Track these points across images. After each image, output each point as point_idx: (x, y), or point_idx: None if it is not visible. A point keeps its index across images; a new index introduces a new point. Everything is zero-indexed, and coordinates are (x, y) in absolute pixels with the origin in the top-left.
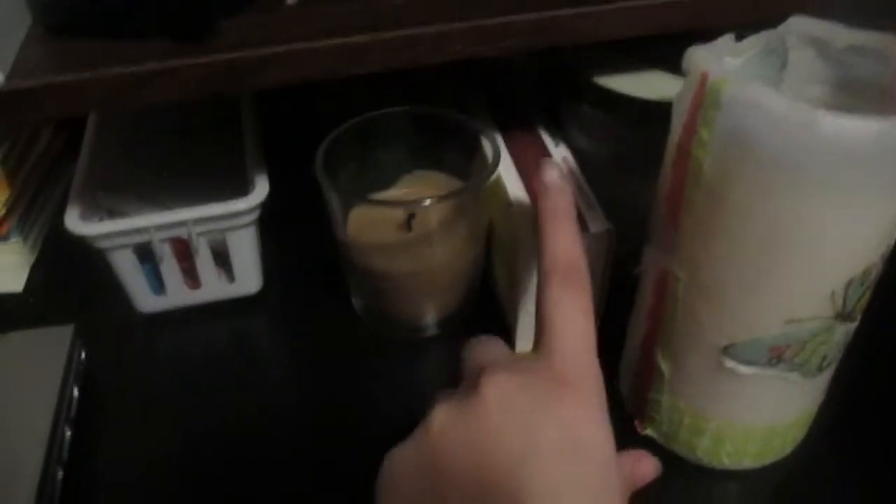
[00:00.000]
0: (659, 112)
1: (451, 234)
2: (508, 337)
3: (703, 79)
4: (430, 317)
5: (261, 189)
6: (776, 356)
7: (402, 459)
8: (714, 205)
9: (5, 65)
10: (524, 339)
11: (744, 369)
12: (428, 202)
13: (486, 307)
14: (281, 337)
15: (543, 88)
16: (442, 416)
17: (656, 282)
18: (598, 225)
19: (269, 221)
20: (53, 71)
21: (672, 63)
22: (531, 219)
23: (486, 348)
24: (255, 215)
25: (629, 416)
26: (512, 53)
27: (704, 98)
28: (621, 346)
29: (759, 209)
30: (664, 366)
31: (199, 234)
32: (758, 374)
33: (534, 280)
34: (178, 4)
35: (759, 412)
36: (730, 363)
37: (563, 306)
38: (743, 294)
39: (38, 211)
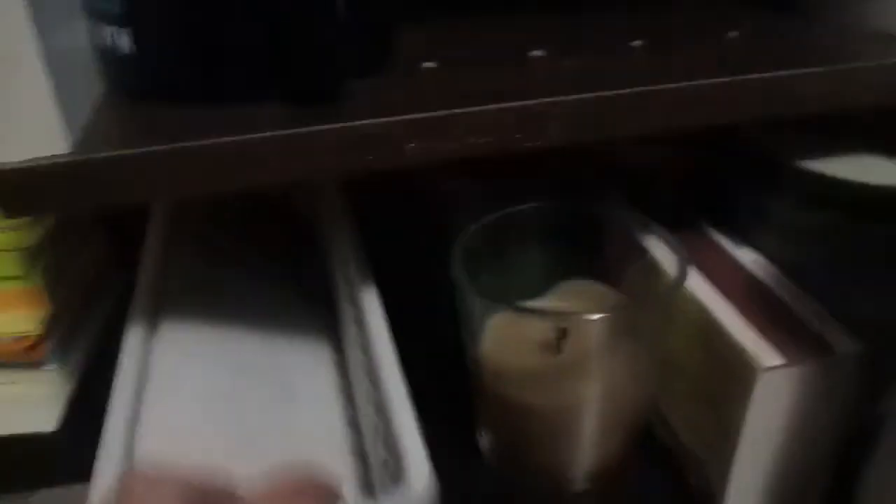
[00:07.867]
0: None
1: (613, 362)
2: None
3: None
4: (579, 467)
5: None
6: None
7: None
8: None
9: (72, 130)
10: None
11: None
12: (586, 317)
13: (654, 460)
14: None
15: (709, 185)
16: None
17: None
18: (843, 344)
19: None
20: (137, 141)
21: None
22: (746, 349)
23: None
24: None
25: None
26: (731, 121)
27: None
28: None
29: None
30: None
31: None
32: None
33: (760, 433)
34: (305, 63)
35: None
36: None
37: None
38: None
39: (79, 331)
